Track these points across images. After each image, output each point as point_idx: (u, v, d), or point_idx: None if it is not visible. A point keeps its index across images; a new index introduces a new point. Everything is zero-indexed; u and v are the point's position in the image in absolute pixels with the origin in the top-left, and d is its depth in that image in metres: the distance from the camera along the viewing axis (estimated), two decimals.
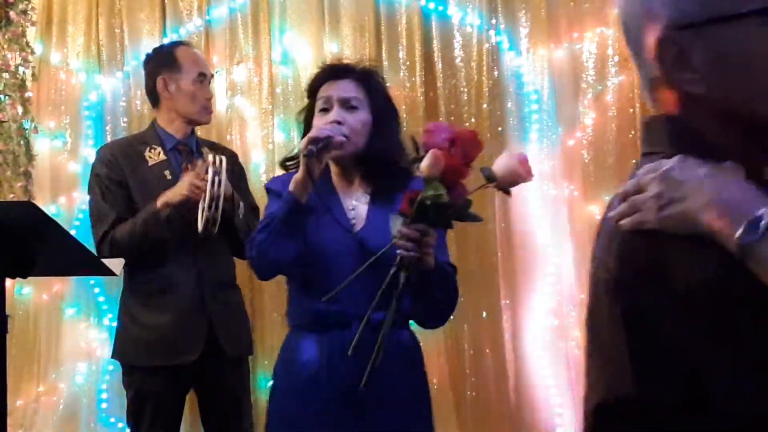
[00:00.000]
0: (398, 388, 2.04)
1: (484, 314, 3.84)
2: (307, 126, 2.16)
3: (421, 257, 1.86)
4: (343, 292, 1.90)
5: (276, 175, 3.05)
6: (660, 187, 0.95)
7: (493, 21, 3.91)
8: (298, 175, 2.01)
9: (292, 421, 2.06)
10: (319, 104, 2.12)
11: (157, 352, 2.74)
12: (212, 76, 3.00)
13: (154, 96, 2.96)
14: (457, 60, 3.93)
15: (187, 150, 2.89)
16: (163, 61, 2.94)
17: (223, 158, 2.64)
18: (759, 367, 0.88)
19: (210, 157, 2.64)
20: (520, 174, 1.85)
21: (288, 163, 2.23)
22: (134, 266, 2.82)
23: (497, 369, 3.81)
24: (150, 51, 3.13)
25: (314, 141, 1.98)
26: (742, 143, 0.97)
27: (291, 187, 2.01)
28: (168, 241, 2.73)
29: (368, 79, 2.17)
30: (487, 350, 3.83)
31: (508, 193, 1.87)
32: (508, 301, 3.83)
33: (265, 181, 2.93)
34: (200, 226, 2.61)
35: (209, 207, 2.58)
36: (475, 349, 3.83)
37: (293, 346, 2.12)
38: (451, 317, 3.76)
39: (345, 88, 2.11)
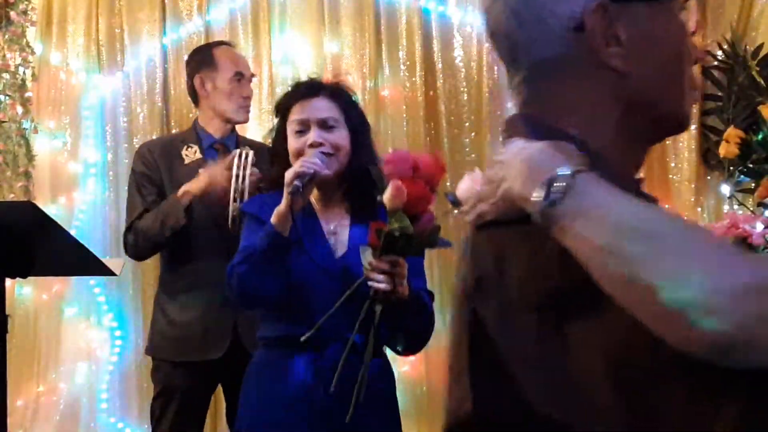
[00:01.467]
0: (370, 418, 2.00)
1: None
2: (279, 147, 2.12)
3: (393, 289, 1.84)
4: (320, 316, 1.89)
5: None
6: (491, 173, 0.88)
7: None
8: (281, 209, 1.94)
9: None
10: (294, 126, 2.06)
11: (184, 347, 2.76)
12: (252, 76, 2.99)
13: (194, 95, 2.98)
14: (457, 60, 3.93)
15: (224, 149, 2.89)
16: (201, 60, 2.96)
17: (251, 153, 2.62)
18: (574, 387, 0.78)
19: (236, 151, 2.64)
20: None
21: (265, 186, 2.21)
22: (168, 262, 2.87)
23: None
24: (192, 51, 3.14)
25: (300, 176, 1.92)
26: (629, 138, 0.91)
27: (273, 220, 1.95)
28: (192, 238, 2.73)
29: (340, 95, 2.12)
30: None
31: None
32: None
33: None
34: (229, 221, 2.62)
35: (234, 201, 2.58)
36: None
37: (266, 365, 2.09)
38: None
39: (320, 108, 2.06)
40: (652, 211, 0.78)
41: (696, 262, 0.71)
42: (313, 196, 2.11)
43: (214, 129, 2.92)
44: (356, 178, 2.08)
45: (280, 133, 2.13)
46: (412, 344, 2.10)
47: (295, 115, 2.07)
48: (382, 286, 1.82)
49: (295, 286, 2.00)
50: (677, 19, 0.91)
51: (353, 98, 2.18)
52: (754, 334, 0.68)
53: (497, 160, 0.88)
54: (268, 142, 2.23)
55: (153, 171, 2.84)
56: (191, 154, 2.87)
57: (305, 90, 2.12)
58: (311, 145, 2.02)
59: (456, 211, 1.79)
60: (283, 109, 2.13)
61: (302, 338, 1.87)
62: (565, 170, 0.78)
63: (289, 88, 2.21)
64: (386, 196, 1.77)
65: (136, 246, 2.78)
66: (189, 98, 3.93)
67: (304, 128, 2.05)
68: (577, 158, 0.80)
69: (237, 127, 3.86)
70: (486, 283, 0.87)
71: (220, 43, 3.16)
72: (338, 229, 2.09)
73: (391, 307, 1.87)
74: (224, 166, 2.64)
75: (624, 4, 0.89)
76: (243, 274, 1.96)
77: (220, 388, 2.97)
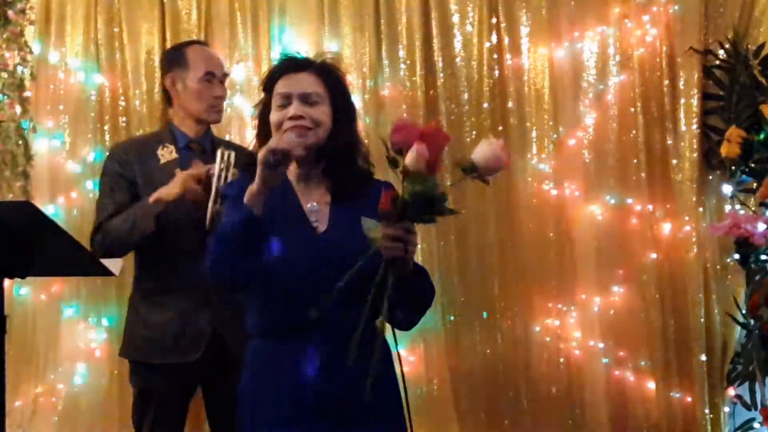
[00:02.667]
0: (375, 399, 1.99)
1: (485, 315, 3.83)
2: (262, 122, 2.10)
3: (405, 258, 1.83)
4: (308, 299, 1.86)
5: None
6: None
7: (494, 20, 3.89)
8: (254, 186, 1.91)
9: (271, 425, 2.00)
10: (277, 100, 2.04)
11: (160, 349, 2.74)
12: (225, 75, 2.97)
13: (166, 94, 2.97)
14: (457, 60, 3.92)
15: (200, 148, 2.88)
16: (172, 59, 2.95)
17: (233, 153, 2.62)
18: None
19: (219, 152, 2.63)
20: (501, 162, 1.83)
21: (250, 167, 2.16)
22: (143, 264, 2.85)
23: (498, 370, 3.81)
24: (166, 50, 3.12)
25: (273, 152, 1.88)
26: None
27: (246, 198, 1.91)
28: (168, 239, 2.71)
29: (328, 72, 2.10)
30: (488, 351, 3.82)
31: (486, 182, 1.86)
32: (508, 302, 3.82)
33: None
34: (207, 221, 2.60)
35: (215, 201, 2.57)
36: (475, 349, 3.82)
37: (261, 355, 2.06)
38: (451, 317, 3.82)
39: (304, 83, 2.04)
40: None
41: None
42: (292, 175, 2.09)
43: (187, 128, 2.91)
44: (336, 156, 2.05)
45: (265, 107, 2.11)
46: (416, 314, 2.07)
47: (279, 88, 2.05)
48: (396, 252, 1.80)
49: (276, 267, 1.96)
50: None
51: (342, 76, 2.15)
52: None
53: None
54: (255, 115, 2.20)
55: (127, 171, 2.81)
56: (167, 153, 2.85)
57: (292, 64, 2.10)
58: (291, 118, 2.00)
59: (471, 178, 1.79)
60: (269, 83, 2.11)
61: (312, 316, 1.82)
62: None
63: (278, 61, 2.19)
64: (409, 159, 1.77)
65: (103, 246, 2.74)
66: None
67: (286, 102, 2.03)
68: None
69: (236, 126, 3.90)
70: None
71: (193, 42, 3.14)
72: (319, 207, 2.06)
73: (402, 277, 1.84)
74: (196, 174, 2.64)
75: None
76: (217, 254, 1.94)
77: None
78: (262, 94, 2.17)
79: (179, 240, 2.73)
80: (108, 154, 2.97)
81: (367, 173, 2.12)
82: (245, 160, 2.18)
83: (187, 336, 2.72)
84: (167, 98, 2.98)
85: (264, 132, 2.10)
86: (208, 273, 1.99)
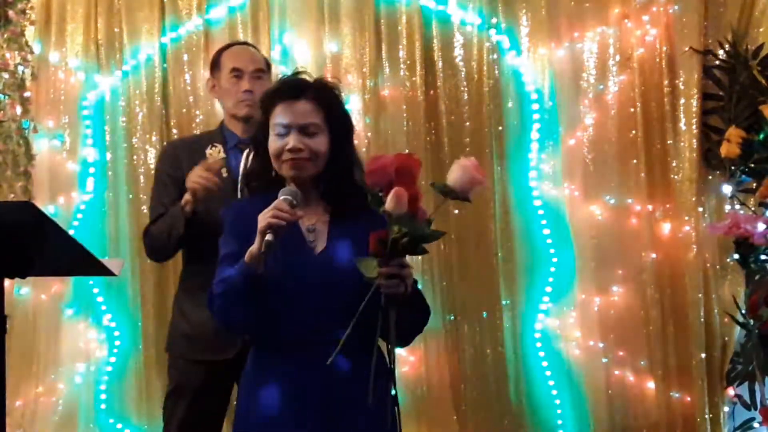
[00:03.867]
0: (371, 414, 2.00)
1: (484, 314, 3.84)
2: (261, 142, 2.11)
3: (405, 289, 1.87)
4: (308, 318, 1.93)
5: None
6: None
7: (494, 20, 3.90)
8: (255, 250, 1.91)
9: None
10: (275, 128, 2.05)
11: (198, 346, 2.78)
12: (258, 70, 2.95)
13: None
14: (457, 60, 3.93)
15: (245, 146, 2.89)
16: (212, 66, 3.02)
17: None
18: None
19: (244, 153, 2.66)
20: (477, 180, 1.86)
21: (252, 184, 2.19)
22: (187, 260, 2.89)
23: (498, 370, 3.81)
24: None
25: (273, 229, 1.88)
26: None
27: (247, 259, 1.92)
28: (212, 236, 2.73)
29: (325, 97, 2.10)
30: (487, 350, 3.83)
31: (468, 200, 1.89)
32: (508, 301, 3.82)
33: None
34: None
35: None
36: (475, 349, 3.83)
37: (260, 366, 2.09)
38: (451, 317, 3.82)
39: (303, 113, 2.04)
40: None
41: None
42: None
43: (235, 128, 2.93)
44: (334, 181, 2.08)
45: (262, 128, 2.11)
46: (412, 334, 2.11)
47: (278, 117, 2.06)
48: (400, 289, 1.85)
49: (276, 285, 1.98)
50: None
51: (339, 99, 2.15)
52: None
53: None
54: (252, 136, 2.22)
55: (176, 169, 2.84)
56: (215, 153, 2.87)
57: (290, 91, 2.09)
58: (290, 150, 2.01)
59: (449, 198, 1.82)
60: (267, 106, 2.12)
61: (328, 362, 1.87)
62: None
63: (275, 84, 2.20)
64: (389, 205, 1.79)
65: (150, 249, 2.87)
66: (189, 98, 3.96)
67: (285, 131, 2.04)
68: None
69: None
70: None
71: (232, 44, 3.16)
72: (317, 226, 2.07)
73: (403, 307, 1.89)
74: (213, 168, 2.66)
75: None
76: (221, 305, 1.98)
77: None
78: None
79: (217, 234, 2.75)
80: (161, 152, 3.05)
81: (363, 190, 2.10)
82: (248, 179, 2.21)
83: (223, 334, 2.74)
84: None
85: (261, 155, 2.11)
86: (214, 316, 2.04)
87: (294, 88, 2.10)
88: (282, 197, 1.94)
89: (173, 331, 2.90)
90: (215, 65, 2.98)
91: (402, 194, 1.79)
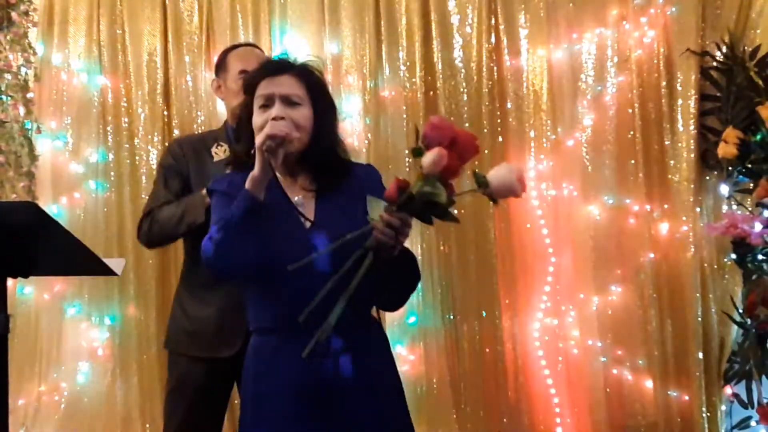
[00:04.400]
0: (377, 384, 2.02)
1: (484, 314, 3.85)
2: (245, 124, 2.12)
3: (394, 245, 1.85)
4: (307, 294, 1.87)
5: None
6: None
7: (493, 21, 3.92)
8: (255, 173, 1.94)
9: (272, 423, 2.03)
10: (259, 101, 2.07)
11: (199, 342, 2.78)
12: None
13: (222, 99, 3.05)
14: (457, 60, 3.95)
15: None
16: (217, 66, 3.03)
17: None
18: None
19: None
20: (516, 189, 1.83)
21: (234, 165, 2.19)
22: (191, 257, 2.86)
23: (497, 369, 3.83)
24: None
25: (271, 137, 1.94)
26: None
27: (248, 185, 1.95)
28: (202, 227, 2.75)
29: (308, 74, 2.12)
30: (487, 350, 3.84)
31: (495, 202, 1.87)
32: (508, 301, 3.84)
33: None
34: None
35: None
36: (475, 348, 3.84)
37: (260, 351, 2.08)
38: (451, 317, 3.84)
39: (286, 85, 2.06)
40: None
41: None
42: (277, 170, 2.10)
43: None
44: (318, 157, 2.08)
45: (246, 109, 2.13)
46: (398, 298, 2.11)
47: (261, 90, 2.08)
48: (386, 239, 1.83)
49: (267, 259, 1.98)
50: None
51: (321, 76, 2.17)
52: None
53: None
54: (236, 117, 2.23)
55: (181, 165, 2.85)
56: (221, 152, 2.89)
57: (273, 67, 2.12)
58: (274, 119, 2.02)
59: (480, 190, 1.81)
60: (250, 86, 2.13)
61: (300, 318, 1.84)
62: None
63: (259, 65, 2.21)
64: (427, 160, 1.77)
65: (150, 233, 2.78)
66: (190, 98, 3.98)
67: (268, 103, 2.06)
68: None
69: None
70: None
71: (239, 45, 3.18)
72: (304, 201, 2.08)
73: (382, 262, 1.86)
74: None
75: None
76: (221, 241, 1.95)
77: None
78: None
79: None
80: (166, 148, 3.02)
81: (347, 163, 2.14)
82: (234, 159, 2.20)
83: (225, 332, 2.76)
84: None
85: (246, 134, 2.12)
86: (210, 262, 2.00)
87: (277, 64, 2.13)
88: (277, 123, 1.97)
89: (173, 327, 2.90)
90: (221, 66, 2.99)
91: (444, 155, 1.76)
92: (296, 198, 2.09)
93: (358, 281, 1.83)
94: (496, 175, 1.83)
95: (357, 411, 1.98)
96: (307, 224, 2.05)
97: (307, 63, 2.16)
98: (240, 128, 2.16)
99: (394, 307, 2.17)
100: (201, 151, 2.86)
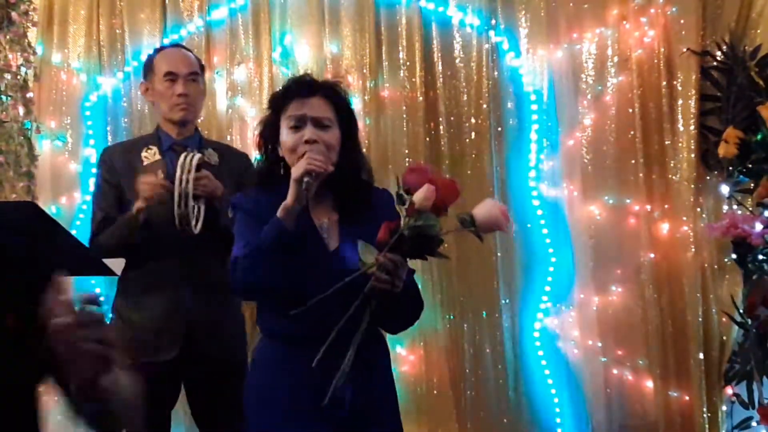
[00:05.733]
0: (378, 402, 2.06)
1: (484, 314, 3.85)
2: (269, 141, 2.16)
3: (392, 287, 1.89)
4: (318, 310, 1.92)
5: None
6: None
7: (493, 21, 3.91)
8: (289, 203, 2.00)
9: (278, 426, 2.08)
10: (290, 122, 2.10)
11: (140, 348, 2.76)
12: (193, 74, 2.96)
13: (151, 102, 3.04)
14: (457, 60, 3.94)
15: (183, 150, 2.90)
16: (145, 69, 3.03)
17: (197, 156, 2.67)
18: None
19: (182, 156, 2.67)
20: (501, 224, 1.90)
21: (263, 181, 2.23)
22: (127, 267, 2.88)
23: (497, 369, 3.83)
24: None
25: (310, 173, 1.98)
26: None
27: (280, 214, 2.00)
28: (151, 240, 2.76)
29: (335, 95, 2.17)
30: (487, 350, 3.84)
31: (481, 239, 1.93)
32: (508, 301, 3.84)
33: None
34: (177, 223, 2.65)
35: (178, 205, 2.61)
36: (475, 349, 3.84)
37: (271, 356, 2.14)
38: (451, 317, 3.84)
39: (317, 107, 2.10)
40: None
41: None
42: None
43: (170, 130, 2.96)
44: (345, 177, 2.13)
45: (271, 126, 2.15)
46: (404, 325, 2.16)
47: (292, 110, 2.11)
48: (384, 285, 1.87)
49: (292, 281, 2.03)
50: None
51: (347, 99, 2.22)
52: None
53: None
54: (260, 132, 2.25)
55: (113, 176, 2.88)
56: (150, 155, 2.90)
57: (303, 88, 2.15)
58: (306, 141, 2.06)
59: (466, 229, 1.85)
60: (278, 104, 2.16)
61: (291, 312, 1.91)
62: None
63: (286, 84, 2.23)
64: (419, 195, 1.84)
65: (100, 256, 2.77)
66: None
67: (299, 124, 2.09)
68: None
69: (237, 127, 3.92)
70: None
71: (162, 48, 3.15)
72: (329, 224, 2.13)
73: (385, 301, 1.92)
74: (157, 175, 2.70)
75: None
76: (249, 266, 2.00)
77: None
78: (265, 99, 2.23)
79: (160, 240, 2.77)
80: (98, 158, 3.02)
81: (369, 186, 2.20)
82: (259, 177, 2.25)
83: (161, 336, 2.76)
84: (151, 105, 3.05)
85: (271, 151, 2.16)
86: (237, 283, 2.05)
87: (307, 85, 2.15)
88: (313, 153, 2.01)
89: None
90: (149, 69, 2.97)
91: (433, 189, 1.84)
92: (321, 222, 2.13)
93: (365, 325, 1.89)
94: (481, 212, 1.89)
95: (359, 418, 2.03)
96: (331, 248, 2.10)
97: (334, 84, 2.19)
98: (265, 145, 2.19)
99: (395, 332, 2.20)
100: (131, 156, 2.89)
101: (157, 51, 3.07)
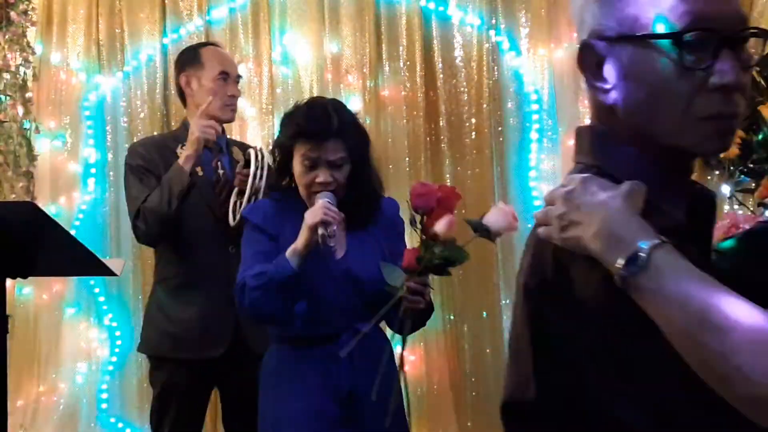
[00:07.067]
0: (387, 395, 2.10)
1: (484, 314, 3.85)
2: (284, 159, 2.20)
3: (424, 305, 2.00)
4: (327, 314, 2.10)
5: None
6: (562, 207, 0.99)
7: (493, 21, 3.91)
8: (299, 247, 2.07)
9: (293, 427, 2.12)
10: (303, 160, 2.15)
11: (184, 345, 2.74)
12: (238, 76, 2.99)
13: (181, 94, 2.98)
14: (457, 60, 3.94)
15: (218, 148, 2.89)
16: (187, 59, 2.96)
17: (267, 153, 2.65)
18: (633, 381, 0.92)
19: (252, 153, 2.67)
20: (512, 227, 1.98)
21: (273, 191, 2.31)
22: (165, 257, 2.84)
23: (497, 369, 3.82)
24: (180, 51, 3.14)
25: (324, 225, 2.05)
26: (653, 159, 1.01)
27: (289, 255, 2.07)
28: (193, 233, 2.75)
29: (348, 132, 2.18)
30: (487, 350, 3.84)
31: (492, 240, 2.00)
32: (508, 301, 3.83)
33: None
34: (235, 216, 2.63)
35: (248, 199, 2.59)
36: (475, 349, 3.84)
37: (283, 361, 2.19)
38: (451, 317, 3.83)
39: (332, 150, 2.14)
40: (719, 297, 0.86)
41: (759, 359, 0.81)
42: (311, 205, 2.19)
43: None
44: (354, 192, 2.20)
45: (285, 148, 2.20)
46: (416, 327, 2.21)
47: (306, 151, 2.14)
48: (421, 306, 1.98)
49: (298, 287, 2.10)
50: (660, 55, 0.96)
51: (362, 133, 2.26)
52: None
53: (566, 192, 0.99)
54: (269, 143, 2.28)
55: (151, 166, 2.82)
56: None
57: (318, 133, 2.16)
58: (320, 183, 2.14)
59: (476, 235, 1.90)
60: (291, 135, 2.18)
61: (341, 353, 2.01)
62: (644, 244, 0.90)
63: (301, 117, 2.20)
64: (440, 228, 1.94)
65: (147, 227, 2.73)
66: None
67: (314, 165, 2.15)
68: (642, 229, 0.92)
69: (237, 126, 3.91)
70: (549, 286, 1.00)
71: (207, 43, 3.16)
72: (336, 233, 2.15)
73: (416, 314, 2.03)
74: (202, 119, 2.71)
75: (610, 43, 0.99)
76: (256, 299, 2.08)
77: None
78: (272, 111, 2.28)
79: (200, 233, 2.75)
80: (128, 153, 2.95)
81: (377, 196, 2.28)
82: (270, 188, 2.36)
83: (211, 332, 2.73)
84: (181, 98, 3.00)
85: (284, 169, 2.21)
86: (244, 310, 2.14)
87: (322, 130, 2.16)
88: (324, 199, 2.10)
89: (153, 331, 2.83)
90: (195, 62, 2.92)
91: (453, 220, 1.95)
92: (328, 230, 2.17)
93: (403, 341, 2.00)
94: (493, 219, 1.97)
95: (374, 418, 2.06)
96: (338, 256, 2.18)
97: (346, 120, 2.20)
98: (280, 161, 2.24)
99: (405, 334, 2.23)
100: (166, 152, 2.83)
101: (202, 45, 3.05)
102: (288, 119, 2.22)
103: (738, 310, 0.84)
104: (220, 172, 2.78)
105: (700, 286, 0.87)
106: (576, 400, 0.96)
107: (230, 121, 2.97)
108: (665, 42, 0.95)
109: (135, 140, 3.94)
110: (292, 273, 2.06)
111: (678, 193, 1.02)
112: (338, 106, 2.23)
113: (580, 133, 1.09)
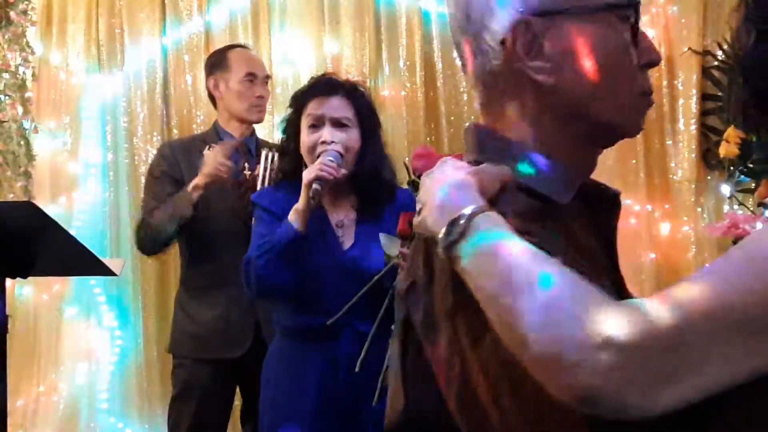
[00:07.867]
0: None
1: None
2: (290, 140, 2.18)
3: None
4: (331, 305, 2.01)
5: None
6: (420, 192, 0.94)
7: None
8: (300, 207, 2.04)
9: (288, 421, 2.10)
10: (308, 120, 2.12)
11: (206, 345, 2.78)
12: (267, 77, 3.01)
13: (211, 97, 3.02)
14: (457, 60, 3.92)
15: (246, 149, 2.91)
16: (215, 63, 3.01)
17: (276, 154, 2.65)
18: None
19: (263, 154, 2.68)
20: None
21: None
22: (190, 260, 2.87)
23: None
24: (209, 54, 3.18)
25: (319, 180, 2.00)
26: (574, 143, 0.97)
27: (291, 217, 2.04)
28: (214, 234, 2.76)
29: (356, 95, 2.18)
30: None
31: None
32: None
33: None
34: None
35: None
36: None
37: (284, 355, 2.18)
38: None
39: (336, 107, 2.12)
40: (530, 259, 0.79)
41: (563, 315, 0.74)
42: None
43: (233, 129, 2.95)
44: (364, 177, 2.14)
45: (292, 125, 2.17)
46: None
47: (311, 109, 2.12)
48: None
49: (306, 278, 2.07)
50: (610, 30, 0.93)
51: (369, 98, 2.24)
52: (615, 386, 0.71)
53: (424, 175, 0.94)
54: (274, 138, 2.27)
55: (175, 170, 2.85)
56: None
57: (323, 87, 2.16)
58: (323, 142, 2.08)
59: None
60: (298, 103, 2.17)
61: (328, 322, 1.97)
62: (466, 211, 0.84)
63: (307, 83, 2.25)
64: None
65: (144, 240, 2.80)
66: (190, 98, 3.97)
67: (318, 123, 2.11)
68: (473, 198, 0.85)
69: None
70: (417, 288, 0.92)
71: (236, 45, 3.18)
72: (345, 223, 2.15)
73: None
74: (220, 155, 2.68)
75: (549, 18, 0.92)
76: (261, 267, 2.04)
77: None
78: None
79: (224, 235, 2.77)
80: (156, 153, 3.02)
81: (391, 187, 2.21)
82: (275, 174, 2.33)
83: (232, 332, 2.75)
84: (212, 101, 3.03)
85: (292, 150, 2.18)
86: (250, 283, 2.09)
87: (327, 84, 2.17)
88: (327, 157, 2.03)
89: (178, 332, 2.88)
90: (222, 65, 2.96)
91: None
92: (339, 220, 2.15)
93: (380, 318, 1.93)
94: None
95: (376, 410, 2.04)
96: (345, 247, 2.13)
97: (356, 84, 2.20)
98: (287, 143, 2.21)
99: None
100: (193, 154, 2.85)
101: (230, 48, 3.07)
102: (295, 94, 2.23)
103: (544, 274, 0.77)
104: (246, 173, 2.79)
105: (515, 250, 0.80)
106: (443, 413, 0.87)
107: (259, 121, 3.00)
108: (614, 17, 0.92)
109: (135, 140, 3.97)
110: (295, 235, 2.02)
111: (569, 185, 0.99)
112: (350, 80, 2.23)
113: (468, 131, 1.03)
